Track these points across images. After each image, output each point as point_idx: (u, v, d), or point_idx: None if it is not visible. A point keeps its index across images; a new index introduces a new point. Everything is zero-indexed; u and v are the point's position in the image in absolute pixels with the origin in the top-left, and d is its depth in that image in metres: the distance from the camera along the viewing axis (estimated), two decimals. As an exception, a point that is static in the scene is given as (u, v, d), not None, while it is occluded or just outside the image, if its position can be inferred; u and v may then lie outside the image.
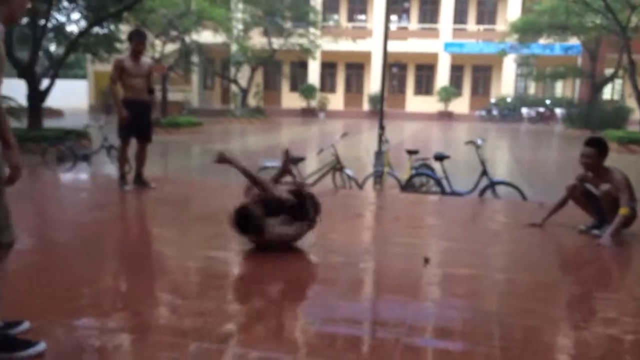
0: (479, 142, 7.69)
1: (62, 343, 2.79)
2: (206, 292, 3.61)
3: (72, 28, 19.93)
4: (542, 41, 28.86)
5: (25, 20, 16.22)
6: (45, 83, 15.82)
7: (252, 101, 32.23)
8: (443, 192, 7.62)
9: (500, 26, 33.50)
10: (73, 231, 5.20)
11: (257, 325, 3.12)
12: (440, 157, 7.79)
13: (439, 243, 5.07)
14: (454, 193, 7.61)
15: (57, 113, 28.06)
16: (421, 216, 6.36)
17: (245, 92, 30.51)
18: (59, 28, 18.39)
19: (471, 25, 36.32)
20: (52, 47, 23.02)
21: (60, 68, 16.65)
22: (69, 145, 11.29)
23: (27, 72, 15.17)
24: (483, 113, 33.36)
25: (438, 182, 7.68)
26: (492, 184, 7.38)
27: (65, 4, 17.60)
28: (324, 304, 3.42)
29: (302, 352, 2.76)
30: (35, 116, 15.26)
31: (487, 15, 36.35)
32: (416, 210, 6.65)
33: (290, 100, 36.14)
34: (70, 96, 34.32)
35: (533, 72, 32.87)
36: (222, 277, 4.01)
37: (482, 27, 36.18)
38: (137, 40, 6.81)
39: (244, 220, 4.34)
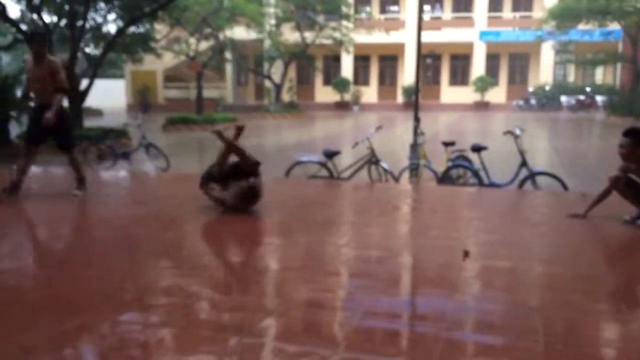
0: (518, 132, 7.53)
1: (108, 338, 2.86)
2: (245, 286, 3.64)
3: (108, 28, 20.35)
4: (581, 27, 28.08)
5: (64, 22, 16.66)
6: (84, 83, 16.21)
7: (285, 96, 32.34)
8: (481, 183, 7.50)
9: (537, 13, 32.73)
10: (115, 228, 5.32)
11: (296, 319, 3.13)
12: (477, 149, 7.67)
13: (478, 236, 4.99)
14: (492, 185, 7.49)
15: (96, 112, 28.75)
16: (459, 208, 6.28)
17: (278, 87, 30.63)
18: (97, 29, 18.81)
19: (507, 12, 35.58)
20: (90, 48, 23.55)
21: (98, 68, 17.02)
22: (109, 144, 11.55)
23: (66, 73, 15.55)
24: (521, 102, 32.68)
25: (476, 174, 7.57)
26: (532, 175, 7.23)
27: (102, 5, 17.98)
28: (362, 298, 3.41)
29: (341, 346, 2.76)
30: (75, 116, 15.65)
31: (523, 2, 35.54)
32: (454, 203, 6.56)
33: (324, 94, 36.11)
34: (109, 96, 35.12)
35: (572, 59, 32.04)
36: (260, 271, 4.04)
37: (518, 14, 35.40)
38: (35, 41, 6.45)
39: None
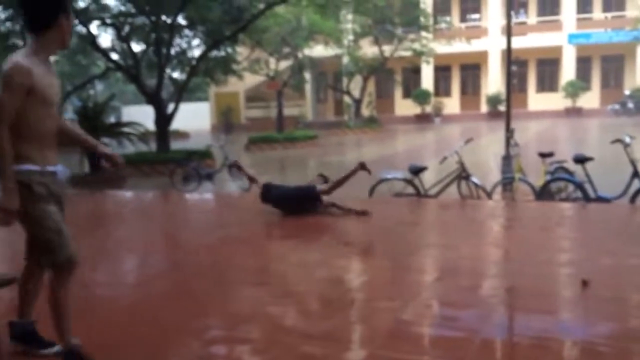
0: (628, 140, 6.81)
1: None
2: (334, 317, 3.33)
3: (193, 53, 20.98)
4: (683, 23, 25.99)
5: (151, 49, 17.31)
6: (171, 107, 16.70)
7: (365, 111, 32.07)
8: (586, 198, 6.81)
9: (632, 12, 30.65)
10: (200, 253, 5.19)
11: (388, 355, 2.78)
12: (581, 159, 6.98)
13: (590, 259, 4.41)
14: (599, 199, 6.78)
15: (183, 135, 29.74)
16: (564, 227, 5.68)
17: (358, 102, 30.43)
18: (182, 54, 19.42)
19: (597, 13, 33.61)
20: (177, 73, 24.42)
21: (183, 92, 17.51)
22: (194, 165, 11.70)
23: (154, 99, 16.10)
24: (616, 107, 30.58)
25: (580, 187, 6.88)
26: (647, 187, 6.47)
27: (186, 31, 18.56)
28: (458, 336, 3.00)
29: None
30: (162, 139, 16.13)
31: (615, 1, 33.45)
32: (557, 221, 5.96)
33: (404, 107, 35.52)
34: (195, 118, 36.34)
35: (673, 57, 29.68)
36: (348, 301, 3.72)
37: (609, 14, 33.33)
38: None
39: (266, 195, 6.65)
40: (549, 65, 34.60)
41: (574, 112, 31.43)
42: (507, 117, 9.09)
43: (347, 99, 32.08)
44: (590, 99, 32.63)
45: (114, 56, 18.10)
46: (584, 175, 6.96)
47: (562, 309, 3.43)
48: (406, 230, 5.80)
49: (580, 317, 3.24)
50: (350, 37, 29.79)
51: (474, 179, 7.54)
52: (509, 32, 9.23)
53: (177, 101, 16.70)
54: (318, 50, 29.62)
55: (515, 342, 2.98)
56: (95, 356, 2.85)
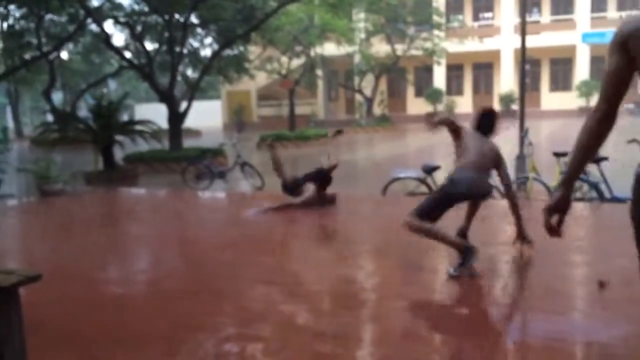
0: (644, 140, 6.74)
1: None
2: (345, 316, 3.33)
3: (205, 52, 21.07)
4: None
5: (164, 48, 17.41)
6: (183, 106, 16.79)
7: (377, 110, 32.03)
8: (602, 198, 6.75)
9: (648, 9, 30.32)
10: (213, 252, 5.21)
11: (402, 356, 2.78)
12: (596, 159, 6.92)
13: (606, 260, 4.38)
14: (615, 199, 6.71)
15: (195, 133, 29.86)
16: (578, 227, 5.64)
17: (369, 101, 30.40)
18: (194, 53, 19.51)
19: (612, 12, 33.30)
20: (189, 72, 24.54)
21: (196, 90, 17.59)
22: (206, 163, 11.73)
23: (167, 97, 16.18)
24: (631, 106, 30.28)
25: (595, 187, 6.83)
26: (663, 187, 6.39)
27: (199, 30, 18.64)
28: (472, 337, 2.99)
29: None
30: (175, 137, 16.21)
31: (629, 0, 33.15)
32: (573, 220, 5.91)
33: (416, 106, 35.41)
34: (207, 116, 36.49)
35: (690, 56, 29.25)
36: (359, 301, 3.72)
37: (624, 13, 33.00)
38: None
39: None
40: (562, 64, 34.37)
41: (587, 112, 30.89)
42: (521, 116, 9.04)
43: (358, 97, 32.06)
44: (605, 99, 32.37)
45: (128, 55, 18.24)
46: (599, 175, 6.90)
47: (579, 310, 3.40)
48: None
49: (597, 319, 3.22)
50: (362, 35, 29.75)
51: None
52: (523, 31, 9.17)
53: (190, 99, 16.79)
54: (330, 49, 29.62)
55: (530, 343, 2.97)
56: (111, 352, 2.87)
